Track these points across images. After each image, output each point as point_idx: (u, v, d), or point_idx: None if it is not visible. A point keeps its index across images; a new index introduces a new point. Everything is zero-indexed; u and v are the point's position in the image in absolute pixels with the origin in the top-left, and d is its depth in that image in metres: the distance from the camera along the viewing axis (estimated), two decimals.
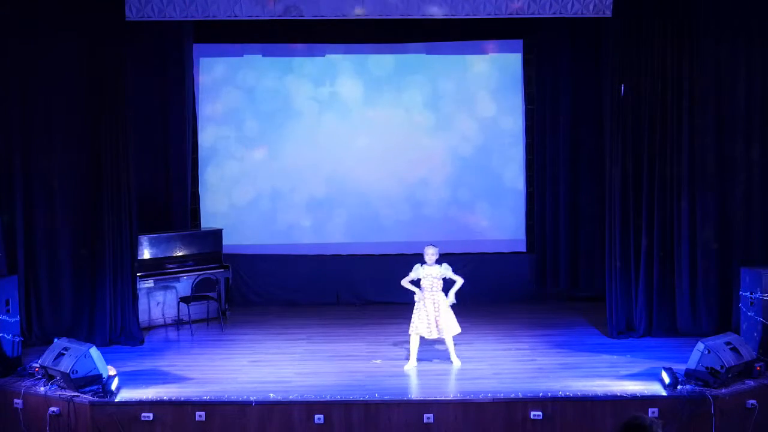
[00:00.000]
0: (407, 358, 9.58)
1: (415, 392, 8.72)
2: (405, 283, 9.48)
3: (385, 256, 12.50)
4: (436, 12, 10.56)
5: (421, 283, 9.45)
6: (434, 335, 9.43)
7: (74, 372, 8.50)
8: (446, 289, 9.52)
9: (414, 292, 9.43)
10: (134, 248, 10.68)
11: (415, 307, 9.48)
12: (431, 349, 10.02)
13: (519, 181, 12.92)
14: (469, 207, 12.93)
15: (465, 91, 12.84)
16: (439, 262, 9.48)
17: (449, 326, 9.43)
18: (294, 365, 9.62)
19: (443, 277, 9.44)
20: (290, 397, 8.45)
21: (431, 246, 9.53)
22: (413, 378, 9.22)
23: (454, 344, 9.60)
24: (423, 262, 9.47)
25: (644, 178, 10.41)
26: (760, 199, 10.30)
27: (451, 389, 8.57)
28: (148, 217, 11.82)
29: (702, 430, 8.27)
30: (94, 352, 8.73)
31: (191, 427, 8.32)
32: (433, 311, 9.38)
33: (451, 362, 9.48)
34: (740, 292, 9.80)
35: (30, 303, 10.37)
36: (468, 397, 8.39)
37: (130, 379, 8.94)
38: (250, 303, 12.61)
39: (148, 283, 11.29)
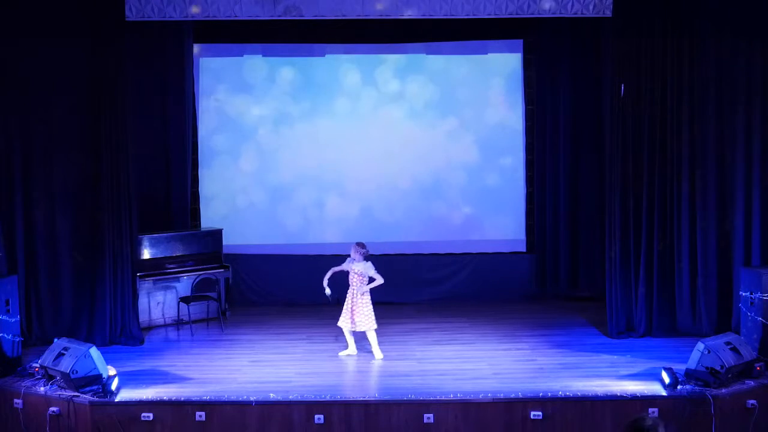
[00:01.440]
0: (407, 359, 9.60)
1: (415, 392, 8.71)
2: (328, 274, 9.87)
3: (385, 256, 12.47)
4: (436, 12, 10.56)
5: (348, 277, 9.85)
6: (350, 327, 9.83)
7: (74, 372, 8.49)
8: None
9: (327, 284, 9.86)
10: (134, 248, 10.67)
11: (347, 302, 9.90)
12: (424, 348, 10.04)
13: (519, 181, 12.92)
14: (469, 207, 12.92)
15: (465, 91, 12.84)
16: (368, 260, 9.84)
17: (362, 322, 9.78)
18: (294, 365, 9.62)
19: (366, 274, 9.77)
20: (290, 397, 8.45)
21: (356, 244, 9.88)
22: (413, 378, 9.22)
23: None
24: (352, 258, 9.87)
25: (644, 178, 10.41)
26: (760, 199, 10.29)
27: (450, 389, 8.56)
28: (148, 217, 11.81)
29: (702, 430, 8.27)
30: (94, 352, 8.73)
31: (191, 427, 8.31)
32: (350, 305, 9.77)
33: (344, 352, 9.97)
34: (740, 292, 9.81)
35: (30, 303, 10.37)
36: (468, 397, 8.39)
37: (130, 379, 8.94)
38: (250, 303, 12.61)
39: (148, 283, 11.29)
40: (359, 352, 10.03)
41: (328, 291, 9.83)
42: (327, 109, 12.80)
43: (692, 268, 10.47)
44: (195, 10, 10.38)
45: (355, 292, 9.75)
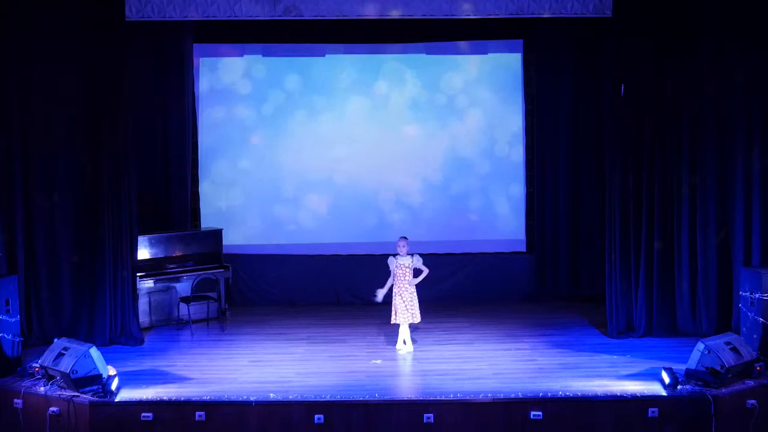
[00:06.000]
0: (407, 359, 9.59)
1: (415, 392, 8.72)
2: (390, 280, 10.03)
3: (385, 256, 12.46)
4: (436, 12, 10.56)
5: (395, 272, 10.03)
6: (411, 321, 10.00)
7: (74, 372, 8.50)
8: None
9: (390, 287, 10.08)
10: (134, 248, 10.67)
11: (393, 297, 9.98)
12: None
13: (519, 181, 12.91)
14: (469, 207, 12.92)
15: (465, 91, 12.84)
16: (411, 254, 10.11)
17: (417, 313, 10.01)
18: (294, 365, 9.62)
19: (414, 267, 10.03)
20: (290, 397, 8.45)
21: (403, 238, 10.13)
22: (413, 378, 9.23)
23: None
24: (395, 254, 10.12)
25: (644, 178, 10.42)
26: (760, 199, 10.29)
27: (451, 389, 8.56)
28: (148, 217, 11.81)
29: (702, 430, 8.27)
30: (94, 352, 8.73)
31: (191, 427, 8.32)
32: (405, 299, 9.93)
33: (404, 348, 10.05)
34: (740, 292, 9.81)
35: (30, 303, 10.37)
36: (468, 397, 8.39)
37: (130, 379, 8.94)
38: (250, 303, 12.61)
39: (148, 283, 11.29)
40: (354, 352, 10.05)
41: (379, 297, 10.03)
42: (327, 109, 12.80)
43: (692, 268, 10.47)
44: None
45: (405, 285, 9.92)
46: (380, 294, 9.98)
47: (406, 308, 9.93)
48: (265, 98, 12.80)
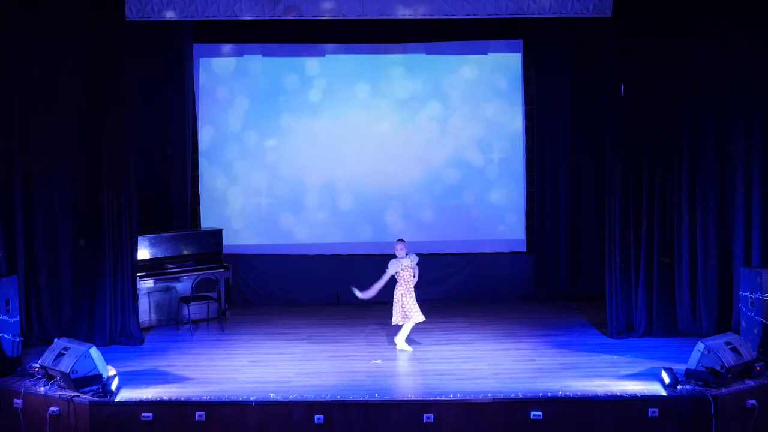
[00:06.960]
0: (407, 359, 9.60)
1: (415, 392, 8.72)
2: (382, 282, 10.06)
3: (385, 256, 12.47)
4: (436, 12, 10.56)
5: (401, 275, 10.03)
6: (421, 319, 10.10)
7: (74, 372, 8.50)
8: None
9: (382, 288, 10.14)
10: (134, 248, 10.68)
11: (402, 298, 10.00)
12: (424, 347, 10.04)
13: (519, 181, 12.91)
14: (469, 207, 12.92)
15: (465, 92, 12.84)
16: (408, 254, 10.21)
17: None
18: (294, 365, 9.63)
19: (414, 266, 10.20)
20: (290, 397, 8.45)
21: (400, 241, 10.24)
22: (413, 378, 9.22)
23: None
24: (395, 257, 10.15)
25: (644, 178, 10.42)
26: (760, 199, 10.29)
27: (451, 389, 8.56)
28: (148, 217, 11.82)
29: (702, 430, 8.27)
30: (94, 352, 8.73)
31: (191, 427, 8.32)
32: (412, 298, 10.06)
33: (406, 346, 10.12)
34: (740, 292, 9.81)
35: (30, 303, 10.37)
36: (468, 397, 8.40)
37: (130, 379, 8.94)
38: (250, 303, 12.61)
39: (148, 283, 11.29)
40: (354, 352, 10.04)
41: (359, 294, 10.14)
42: (327, 109, 12.80)
43: (692, 267, 10.48)
44: None
45: (410, 286, 10.03)
46: (359, 294, 10.08)
47: (411, 307, 10.00)
48: (265, 98, 12.80)
